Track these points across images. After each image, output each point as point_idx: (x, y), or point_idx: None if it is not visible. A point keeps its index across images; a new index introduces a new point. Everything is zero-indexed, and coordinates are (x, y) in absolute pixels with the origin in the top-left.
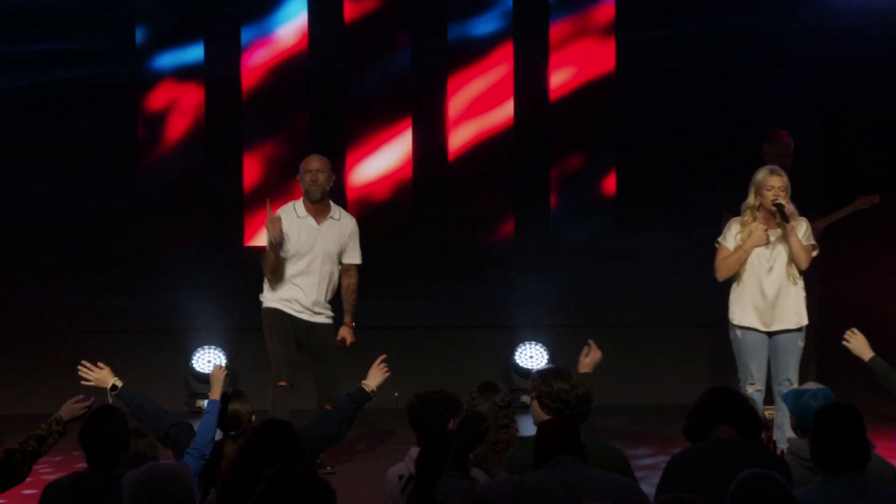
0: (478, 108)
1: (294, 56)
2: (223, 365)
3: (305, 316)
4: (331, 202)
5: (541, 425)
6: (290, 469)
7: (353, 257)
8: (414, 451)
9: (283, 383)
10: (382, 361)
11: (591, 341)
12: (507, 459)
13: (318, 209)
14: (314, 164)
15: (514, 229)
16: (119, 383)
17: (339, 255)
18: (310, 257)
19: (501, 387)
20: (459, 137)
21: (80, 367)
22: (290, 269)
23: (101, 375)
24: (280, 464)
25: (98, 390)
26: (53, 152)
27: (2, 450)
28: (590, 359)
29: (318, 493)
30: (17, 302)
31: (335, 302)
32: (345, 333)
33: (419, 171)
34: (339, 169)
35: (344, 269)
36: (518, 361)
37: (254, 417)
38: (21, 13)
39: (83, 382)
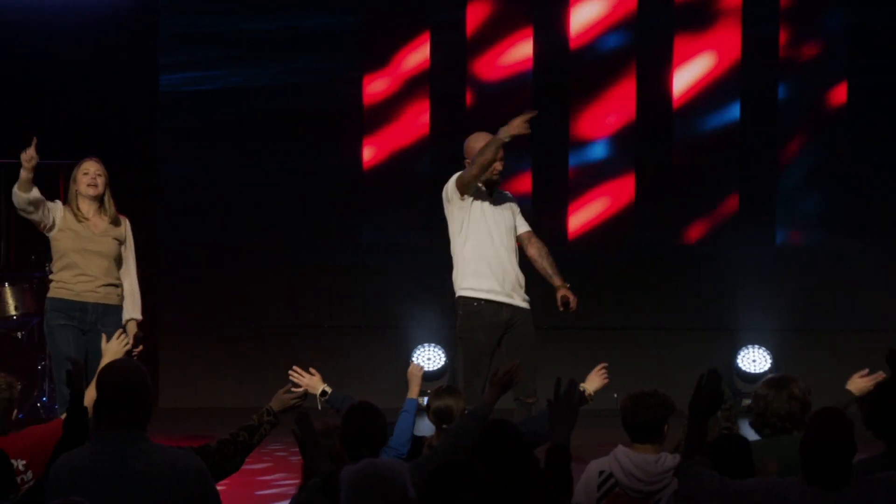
0: (703, 104)
1: (518, 59)
2: (420, 364)
3: (508, 301)
4: None
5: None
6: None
7: (526, 224)
8: (620, 450)
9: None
10: (603, 368)
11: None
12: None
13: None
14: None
15: (739, 232)
16: (329, 389)
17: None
18: (494, 232)
19: (725, 388)
20: (684, 137)
21: (290, 373)
22: (479, 250)
23: (311, 381)
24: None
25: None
26: (282, 159)
27: (214, 440)
28: (856, 384)
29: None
30: (248, 298)
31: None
32: (566, 293)
33: (642, 176)
34: (562, 169)
35: (526, 241)
36: (741, 365)
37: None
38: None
39: (293, 389)
